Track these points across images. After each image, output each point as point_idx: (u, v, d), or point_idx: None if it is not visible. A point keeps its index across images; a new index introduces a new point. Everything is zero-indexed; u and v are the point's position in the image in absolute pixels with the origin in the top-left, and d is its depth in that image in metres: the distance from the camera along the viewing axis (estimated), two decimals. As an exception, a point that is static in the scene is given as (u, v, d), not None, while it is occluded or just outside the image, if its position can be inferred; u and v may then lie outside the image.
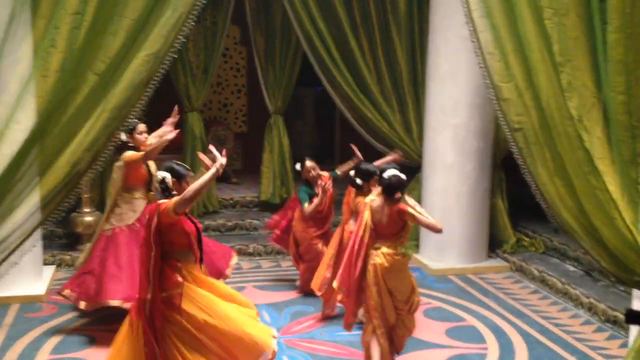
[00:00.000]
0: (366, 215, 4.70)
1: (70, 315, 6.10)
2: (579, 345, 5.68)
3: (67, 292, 5.74)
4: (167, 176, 4.01)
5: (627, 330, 5.71)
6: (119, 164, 5.74)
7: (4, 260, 3.53)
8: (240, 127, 10.53)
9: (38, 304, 6.33)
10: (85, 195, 7.42)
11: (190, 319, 3.98)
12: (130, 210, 5.69)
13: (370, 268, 4.69)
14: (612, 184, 3.63)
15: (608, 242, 3.69)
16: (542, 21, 3.61)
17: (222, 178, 9.31)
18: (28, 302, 6.31)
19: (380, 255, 4.67)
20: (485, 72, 3.94)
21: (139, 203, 5.73)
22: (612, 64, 3.49)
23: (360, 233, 4.69)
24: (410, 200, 4.73)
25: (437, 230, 4.61)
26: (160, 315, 3.92)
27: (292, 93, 8.69)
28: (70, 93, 3.35)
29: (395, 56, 8.04)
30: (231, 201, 8.87)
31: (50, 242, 7.62)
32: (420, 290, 6.84)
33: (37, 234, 3.69)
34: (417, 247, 7.98)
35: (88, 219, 7.47)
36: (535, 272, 7.26)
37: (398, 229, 4.71)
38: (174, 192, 4.01)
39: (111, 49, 3.57)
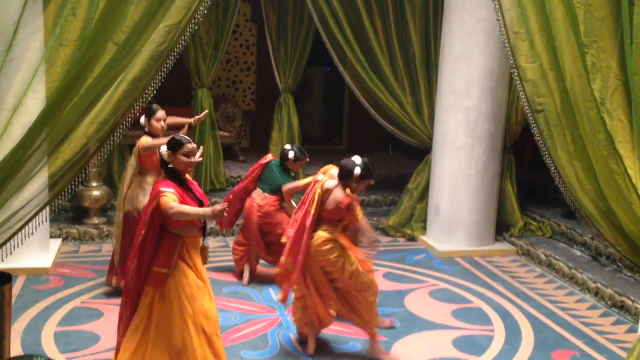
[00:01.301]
0: (318, 193, 4.72)
1: (77, 288, 6.11)
2: (585, 329, 5.69)
3: (114, 281, 5.84)
4: (164, 149, 3.94)
5: (634, 316, 5.72)
6: (135, 149, 5.73)
7: (13, 235, 3.51)
8: (248, 105, 10.47)
9: (45, 276, 6.33)
10: (93, 169, 7.40)
11: (167, 304, 3.93)
12: (142, 194, 5.65)
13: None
14: (632, 169, 3.59)
15: (625, 227, 3.67)
16: (569, 1, 3.55)
17: (229, 156, 9.28)
18: (35, 274, 6.31)
19: (315, 237, 4.74)
20: (509, 52, 3.89)
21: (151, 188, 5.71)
22: (637, 46, 3.43)
23: (312, 211, 4.69)
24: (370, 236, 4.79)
25: (372, 242, 4.74)
26: (140, 286, 3.92)
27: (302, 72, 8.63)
28: (88, 63, 3.29)
29: (409, 36, 7.96)
30: (238, 179, 8.79)
31: (57, 216, 7.61)
32: (427, 271, 6.95)
33: (46, 209, 3.65)
34: (424, 229, 7.97)
35: (95, 193, 7.46)
36: (542, 256, 7.25)
37: (337, 219, 4.76)
38: (170, 166, 3.94)
39: (132, 19, 3.50)
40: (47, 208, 3.67)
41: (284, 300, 4.97)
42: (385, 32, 7.93)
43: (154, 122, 5.66)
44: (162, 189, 3.83)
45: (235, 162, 9.42)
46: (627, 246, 3.71)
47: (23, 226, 3.60)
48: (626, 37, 3.43)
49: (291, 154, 6.15)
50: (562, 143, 3.77)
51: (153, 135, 5.67)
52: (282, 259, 4.81)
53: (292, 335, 5.29)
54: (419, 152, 8.30)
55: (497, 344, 5.37)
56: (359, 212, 4.70)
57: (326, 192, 4.74)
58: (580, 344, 5.42)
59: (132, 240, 4.66)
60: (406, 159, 10.08)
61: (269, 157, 6.36)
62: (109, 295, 5.94)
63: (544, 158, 3.96)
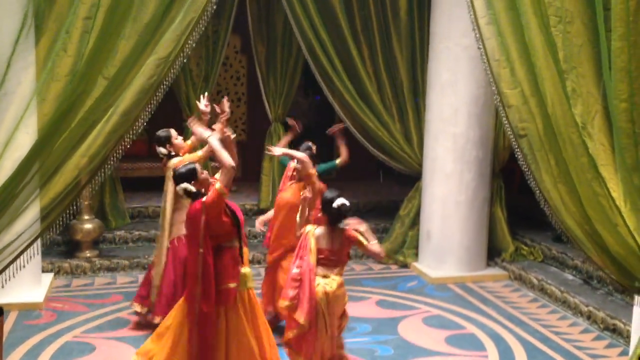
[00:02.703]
0: (312, 243, 4.65)
1: (69, 322, 6.08)
2: (578, 353, 5.70)
3: (158, 319, 5.60)
4: (187, 186, 4.13)
5: (626, 339, 5.73)
6: (169, 173, 5.56)
7: (4, 268, 3.53)
8: (240, 136, 10.52)
9: (37, 311, 6.31)
10: (85, 203, 7.40)
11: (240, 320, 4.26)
12: (181, 221, 5.40)
13: (321, 296, 4.59)
14: (616, 191, 3.66)
15: (611, 249, 3.72)
16: (547, 29, 3.65)
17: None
18: (27, 310, 6.28)
19: (331, 283, 4.62)
20: (491, 79, 3.98)
21: None
22: (615, 71, 3.53)
23: (312, 261, 4.61)
24: (361, 226, 4.70)
25: (380, 258, 4.79)
26: (213, 309, 4.11)
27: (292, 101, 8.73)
28: (80, 97, 3.36)
29: (396, 65, 8.09)
30: (230, 209, 8.86)
31: (49, 250, 7.60)
32: (420, 298, 6.96)
33: (37, 243, 3.68)
34: (416, 256, 7.99)
35: (87, 226, 7.45)
36: (535, 281, 7.28)
37: (345, 256, 4.75)
38: (202, 191, 4.16)
39: (122, 53, 3.58)
40: (39, 242, 3.70)
41: None
42: (372, 61, 8.06)
43: (175, 143, 5.78)
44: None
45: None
46: (615, 268, 3.75)
47: (15, 259, 3.63)
48: (604, 62, 3.52)
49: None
50: (546, 167, 3.84)
51: (177, 155, 5.74)
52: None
53: None
54: (410, 179, 8.36)
55: (491, 369, 5.38)
56: (360, 237, 4.69)
57: (323, 238, 4.68)
58: (573, 367, 5.44)
59: (178, 270, 4.78)
60: (397, 186, 10.13)
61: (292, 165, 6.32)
62: (100, 329, 5.92)
63: (528, 182, 4.02)
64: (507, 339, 5.96)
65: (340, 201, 4.62)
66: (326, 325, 4.63)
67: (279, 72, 8.45)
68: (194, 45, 4.10)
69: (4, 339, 5.56)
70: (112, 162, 3.78)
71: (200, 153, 5.53)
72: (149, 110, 3.91)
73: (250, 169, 9.97)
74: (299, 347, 4.65)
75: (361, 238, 4.66)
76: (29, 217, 3.37)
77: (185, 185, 4.13)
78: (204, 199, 4.09)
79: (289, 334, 4.66)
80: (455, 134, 7.37)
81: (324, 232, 4.69)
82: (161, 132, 5.80)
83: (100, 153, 3.56)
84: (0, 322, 3.68)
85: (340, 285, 4.68)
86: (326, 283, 4.60)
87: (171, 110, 9.06)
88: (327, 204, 4.65)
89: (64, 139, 3.34)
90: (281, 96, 8.53)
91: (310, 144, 6.02)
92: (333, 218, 4.64)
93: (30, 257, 3.73)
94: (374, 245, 4.66)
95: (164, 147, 5.74)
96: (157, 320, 5.46)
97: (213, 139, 4.27)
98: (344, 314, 4.81)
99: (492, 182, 7.80)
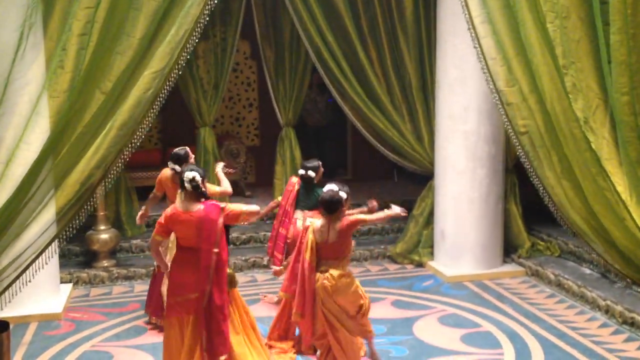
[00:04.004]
0: (310, 238, 4.70)
1: (88, 332, 6.16)
2: (596, 348, 5.64)
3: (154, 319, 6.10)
4: (197, 175, 4.25)
5: (645, 332, 5.67)
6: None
7: (18, 276, 3.60)
8: (252, 141, 10.60)
9: (56, 321, 6.40)
10: (101, 213, 7.50)
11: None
12: None
13: (319, 291, 4.69)
14: (621, 185, 3.63)
15: (618, 243, 3.69)
16: (543, 25, 3.63)
17: (236, 191, 9.37)
18: (46, 320, 6.37)
19: (329, 278, 4.68)
20: (488, 77, 3.97)
21: None
22: (615, 65, 3.51)
23: (307, 257, 4.68)
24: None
25: (398, 215, 4.77)
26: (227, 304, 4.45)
27: (302, 105, 8.75)
28: (78, 112, 3.42)
29: (404, 65, 8.07)
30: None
31: (67, 260, 7.72)
32: (435, 297, 6.94)
33: (53, 251, 3.74)
34: (431, 255, 7.97)
35: (104, 236, 7.55)
36: (551, 276, 7.21)
37: (345, 248, 4.78)
38: (204, 190, 4.32)
39: (118, 67, 3.64)
40: (57, 255, 3.77)
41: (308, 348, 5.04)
42: (380, 62, 8.05)
43: (191, 162, 5.85)
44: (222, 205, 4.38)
45: (242, 198, 9.50)
46: (622, 262, 3.73)
47: (12, 283, 3.67)
48: (603, 56, 3.50)
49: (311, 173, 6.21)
50: (548, 163, 3.82)
51: None
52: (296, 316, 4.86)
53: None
54: (424, 178, 8.32)
55: (507, 367, 5.35)
56: (357, 216, 4.77)
57: (319, 231, 4.74)
58: (591, 363, 5.39)
59: None
60: (412, 185, 10.10)
61: (294, 180, 6.41)
62: (118, 337, 6.00)
63: (531, 179, 4.00)
64: (523, 336, 5.92)
65: (326, 188, 4.69)
66: (325, 315, 4.75)
67: (288, 76, 8.49)
68: (188, 57, 4.15)
69: (24, 350, 5.71)
70: (112, 176, 3.83)
71: (217, 189, 5.67)
72: (147, 123, 3.96)
73: (263, 174, 10.02)
74: (301, 329, 4.99)
75: (360, 216, 4.72)
76: (33, 232, 3.43)
77: (195, 174, 4.24)
78: (223, 205, 4.40)
79: (294, 317, 4.92)
80: (466, 131, 7.33)
81: (322, 226, 4.72)
82: (180, 150, 5.84)
83: (101, 167, 3.62)
84: (7, 337, 3.74)
85: (341, 277, 4.70)
86: (325, 277, 4.66)
87: (182, 118, 9.17)
88: (321, 197, 4.74)
89: (64, 154, 3.40)
90: (291, 100, 8.55)
91: (318, 163, 6.20)
92: (324, 207, 4.70)
93: (42, 266, 3.78)
94: (376, 215, 4.69)
95: (180, 165, 5.78)
96: (153, 320, 6.05)
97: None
98: (358, 300, 4.85)
99: (506, 178, 7.74)
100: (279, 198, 6.48)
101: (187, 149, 5.93)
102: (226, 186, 5.56)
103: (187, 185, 4.28)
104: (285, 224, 6.28)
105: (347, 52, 7.95)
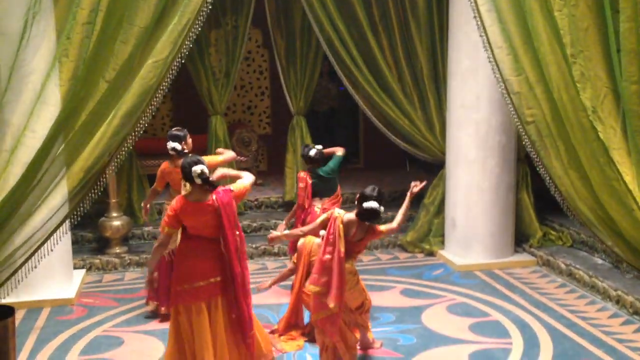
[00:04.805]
0: (341, 228, 4.69)
1: (100, 317, 6.24)
2: (606, 339, 5.61)
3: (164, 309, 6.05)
4: (204, 168, 4.30)
5: (655, 323, 5.63)
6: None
7: (26, 260, 3.64)
8: (264, 129, 10.63)
9: (69, 307, 6.48)
10: (113, 200, 7.58)
11: None
12: None
13: None
14: (629, 175, 3.60)
15: (626, 233, 3.66)
16: (551, 13, 3.59)
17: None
18: (59, 306, 6.46)
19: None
20: (494, 66, 3.94)
21: None
22: (624, 53, 3.46)
23: (342, 249, 4.67)
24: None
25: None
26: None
27: (313, 94, 8.75)
28: (82, 101, 3.45)
29: (416, 53, 8.03)
30: (256, 202, 8.95)
31: (80, 247, 7.82)
32: (445, 286, 6.93)
33: (59, 237, 3.79)
34: (442, 244, 7.96)
35: (116, 223, 7.63)
36: (563, 266, 7.18)
37: (362, 248, 4.89)
38: (214, 181, 4.39)
39: (121, 56, 3.66)
40: (70, 241, 3.81)
41: (335, 341, 4.93)
42: (392, 51, 8.01)
43: (189, 142, 5.98)
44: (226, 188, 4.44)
45: (253, 186, 9.51)
46: (629, 252, 3.70)
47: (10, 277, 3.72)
48: (612, 45, 3.46)
49: (313, 152, 6.29)
50: (555, 153, 3.79)
51: (189, 153, 5.81)
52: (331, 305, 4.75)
53: (309, 356, 5.33)
54: (437, 167, 8.30)
55: (515, 356, 5.32)
56: (389, 226, 4.82)
57: (346, 225, 4.74)
58: (600, 353, 5.35)
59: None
60: (424, 174, 10.04)
61: (302, 174, 6.42)
62: (129, 323, 6.07)
63: (537, 169, 3.97)
64: (532, 326, 5.90)
65: (370, 204, 4.65)
66: (342, 311, 4.79)
67: (299, 65, 8.47)
68: (191, 46, 4.16)
69: (37, 335, 5.80)
70: (116, 163, 3.86)
71: (220, 158, 5.65)
72: (150, 111, 3.98)
73: (275, 162, 10.05)
74: (323, 326, 4.79)
75: (383, 227, 4.76)
76: (38, 219, 3.47)
77: (203, 167, 4.28)
78: (231, 187, 4.47)
79: (316, 316, 4.80)
80: (478, 120, 7.29)
81: (350, 220, 4.73)
82: (177, 131, 5.93)
83: (104, 155, 3.65)
84: (12, 321, 3.80)
85: (349, 273, 4.75)
86: None
87: (195, 106, 9.19)
88: (361, 198, 4.71)
89: (68, 142, 3.43)
90: (302, 89, 8.54)
91: (318, 148, 6.29)
92: (361, 214, 4.71)
93: (46, 254, 3.81)
94: (390, 225, 4.77)
95: (180, 144, 5.85)
96: (163, 310, 5.99)
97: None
98: (362, 297, 4.94)
99: (518, 167, 7.69)
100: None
101: (186, 130, 6.00)
102: (227, 154, 5.65)
103: (197, 180, 4.31)
104: (306, 223, 6.22)
105: (358, 41, 7.93)
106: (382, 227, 4.80)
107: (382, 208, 4.66)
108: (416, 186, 4.98)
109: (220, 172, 5.08)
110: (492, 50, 3.91)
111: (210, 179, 4.29)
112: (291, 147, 8.71)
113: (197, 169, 4.28)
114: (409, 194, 4.94)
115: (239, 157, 6.01)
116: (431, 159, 8.22)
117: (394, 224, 4.83)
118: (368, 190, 4.73)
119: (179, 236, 4.75)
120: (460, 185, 7.54)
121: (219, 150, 5.57)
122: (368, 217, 4.70)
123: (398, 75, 8.06)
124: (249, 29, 8.48)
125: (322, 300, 4.72)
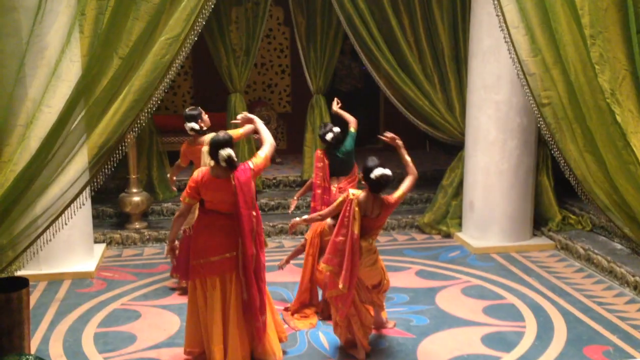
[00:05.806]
0: (356, 210, 4.69)
1: (118, 290, 6.35)
2: (621, 324, 5.57)
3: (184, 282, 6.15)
4: (232, 153, 4.33)
5: (673, 310, 5.57)
6: (205, 148, 5.66)
7: (45, 230, 3.72)
8: (284, 107, 10.62)
9: (88, 280, 6.61)
10: (133, 176, 7.67)
11: None
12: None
13: None
14: (646, 159, 3.53)
15: (641, 219, 3.61)
16: (570, -7, 3.52)
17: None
18: (79, 279, 6.59)
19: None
20: (510, 47, 3.88)
21: None
22: (644, 35, 3.38)
23: (357, 231, 4.68)
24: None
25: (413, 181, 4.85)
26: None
27: (334, 73, 8.71)
28: (96, 76, 3.48)
29: (437, 33, 7.94)
30: (274, 181, 8.99)
31: (100, 222, 7.94)
32: (461, 268, 6.92)
33: (77, 207, 3.85)
34: (459, 226, 7.93)
35: (136, 199, 7.72)
36: (581, 251, 7.11)
37: (381, 224, 4.85)
38: (237, 163, 4.43)
39: (134, 33, 3.68)
40: (90, 214, 3.86)
41: (344, 319, 4.99)
42: (413, 30, 7.93)
43: (205, 118, 6.00)
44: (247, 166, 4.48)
45: (272, 164, 9.56)
46: (645, 238, 3.65)
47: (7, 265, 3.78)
48: (632, 26, 3.38)
49: (329, 137, 6.26)
50: (571, 136, 3.73)
51: (208, 131, 6.00)
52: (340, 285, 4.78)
53: (321, 334, 5.38)
54: (457, 148, 8.24)
55: (528, 340, 5.32)
56: (400, 191, 4.79)
57: (362, 204, 4.74)
58: (614, 338, 5.31)
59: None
60: (444, 155, 10.02)
61: (319, 154, 6.42)
62: (146, 297, 6.18)
63: (552, 151, 3.92)
64: (547, 309, 5.88)
65: (379, 171, 4.63)
66: (358, 288, 4.87)
67: (319, 43, 8.43)
68: (204, 23, 4.16)
69: (57, 307, 5.93)
70: (128, 140, 3.90)
71: (241, 131, 5.64)
72: (163, 88, 4.00)
73: (295, 141, 10.05)
74: (336, 304, 4.87)
75: (398, 194, 4.73)
76: (53, 192, 3.52)
77: (230, 152, 4.30)
78: (251, 165, 4.48)
79: (330, 293, 4.88)
80: (498, 101, 7.21)
81: (365, 199, 4.73)
82: (192, 110, 5.98)
83: (118, 131, 3.69)
84: (27, 292, 3.89)
85: (368, 251, 4.75)
86: None
87: (214, 83, 9.22)
88: (366, 172, 4.70)
89: (82, 119, 3.47)
90: (322, 68, 8.51)
91: (335, 131, 6.24)
92: (373, 187, 4.70)
93: (61, 228, 3.88)
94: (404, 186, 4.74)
95: (196, 123, 5.89)
96: (184, 283, 6.09)
97: (257, 119, 4.80)
98: (380, 276, 4.94)
99: (538, 150, 7.61)
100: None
101: (199, 108, 6.04)
102: (247, 127, 5.44)
103: (222, 163, 4.35)
104: (327, 202, 6.23)
105: (378, 19, 7.86)
106: (395, 194, 4.76)
107: (389, 171, 4.64)
108: (392, 138, 5.03)
109: (248, 128, 5.26)
110: (508, 30, 3.85)
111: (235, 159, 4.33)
112: (310, 126, 8.71)
113: (224, 153, 4.32)
114: (396, 147, 4.96)
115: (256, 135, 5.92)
116: (450, 140, 8.16)
117: (406, 181, 4.80)
118: (369, 162, 4.73)
119: (197, 212, 4.81)
120: (478, 167, 7.48)
121: (240, 117, 5.13)
122: (381, 186, 4.67)
123: (418, 55, 7.98)
124: (269, 6, 8.45)
125: (335, 280, 4.77)
